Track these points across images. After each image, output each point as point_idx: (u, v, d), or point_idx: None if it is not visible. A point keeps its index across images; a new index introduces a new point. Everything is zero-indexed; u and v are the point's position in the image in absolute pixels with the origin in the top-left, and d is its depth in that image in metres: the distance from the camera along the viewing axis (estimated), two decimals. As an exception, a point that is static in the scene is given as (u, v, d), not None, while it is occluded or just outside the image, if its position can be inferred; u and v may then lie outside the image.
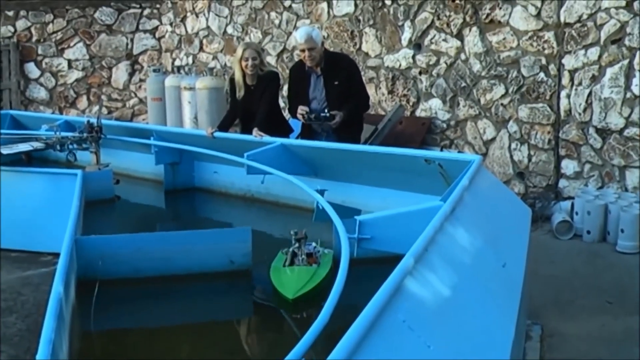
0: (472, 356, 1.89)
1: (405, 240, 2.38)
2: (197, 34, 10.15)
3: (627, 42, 5.70)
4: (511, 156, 6.60)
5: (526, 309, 3.41)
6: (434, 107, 7.12)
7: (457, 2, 6.75)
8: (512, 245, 3.11)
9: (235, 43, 9.10)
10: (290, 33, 8.47)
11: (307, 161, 4.56)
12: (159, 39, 11.02)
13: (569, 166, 6.24)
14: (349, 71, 5.26)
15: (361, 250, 2.92)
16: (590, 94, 5.95)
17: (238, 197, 5.13)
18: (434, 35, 7.00)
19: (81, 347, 2.72)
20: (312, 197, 3.70)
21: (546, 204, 6.20)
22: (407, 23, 7.20)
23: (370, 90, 7.02)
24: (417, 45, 7.18)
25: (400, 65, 7.33)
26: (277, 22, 8.73)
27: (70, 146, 5.24)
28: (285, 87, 6.53)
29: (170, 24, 10.79)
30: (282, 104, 6.17)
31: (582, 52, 5.96)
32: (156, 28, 11.01)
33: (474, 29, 6.67)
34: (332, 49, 7.09)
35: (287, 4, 8.55)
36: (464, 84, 6.83)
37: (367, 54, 7.65)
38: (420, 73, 7.18)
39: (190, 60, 10.33)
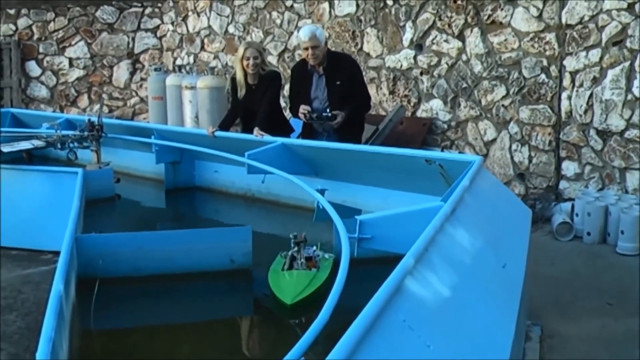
0: (472, 356, 1.89)
1: (405, 240, 2.38)
2: (198, 33, 10.15)
3: (628, 44, 5.70)
4: (512, 157, 6.60)
5: (526, 309, 3.41)
6: (435, 107, 7.11)
7: (459, 3, 6.75)
8: (513, 246, 3.11)
9: (237, 42, 9.11)
10: (292, 33, 8.47)
11: (307, 161, 4.56)
12: (160, 38, 11.02)
13: (569, 168, 6.24)
14: (351, 71, 5.25)
15: (361, 250, 2.92)
16: (591, 95, 5.95)
17: (239, 196, 5.12)
18: (436, 36, 7.00)
19: (81, 345, 2.71)
20: (312, 196, 3.70)
21: (546, 205, 6.20)
22: (409, 23, 7.20)
23: (372, 90, 7.02)
24: (418, 46, 7.18)
25: (401, 65, 7.33)
26: (278, 21, 8.73)
27: (71, 144, 5.23)
28: (287, 87, 6.54)
29: (172, 23, 10.80)
30: (283, 104, 6.17)
31: (584, 53, 5.96)
32: (157, 27, 11.02)
33: (476, 29, 6.67)
34: (333, 49, 7.08)
35: (288, 3, 8.55)
36: (465, 85, 6.82)
37: (368, 54, 7.64)
38: (421, 74, 7.18)
39: (191, 59, 10.33)
